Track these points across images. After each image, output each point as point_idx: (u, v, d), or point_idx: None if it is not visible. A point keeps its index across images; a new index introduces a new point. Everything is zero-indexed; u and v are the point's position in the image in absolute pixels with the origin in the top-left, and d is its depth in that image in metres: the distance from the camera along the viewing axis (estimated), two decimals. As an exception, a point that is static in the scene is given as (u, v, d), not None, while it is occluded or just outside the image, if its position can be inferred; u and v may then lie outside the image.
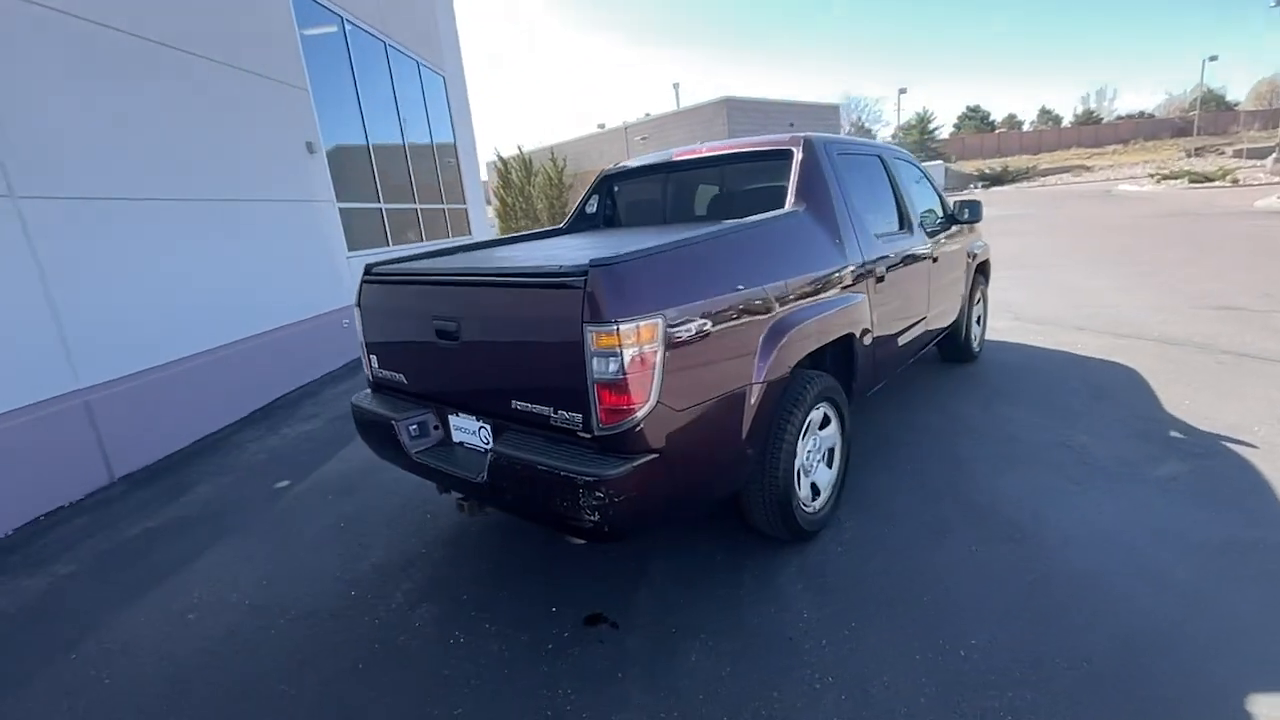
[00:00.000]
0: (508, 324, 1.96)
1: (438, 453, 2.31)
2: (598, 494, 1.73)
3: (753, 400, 2.05)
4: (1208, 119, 43.82)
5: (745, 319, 2.03)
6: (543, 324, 1.84)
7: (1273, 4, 26.63)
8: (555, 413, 1.87)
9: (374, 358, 2.58)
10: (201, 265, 4.79)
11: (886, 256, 2.99)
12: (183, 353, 4.50)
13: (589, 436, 1.80)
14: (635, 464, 1.75)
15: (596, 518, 1.76)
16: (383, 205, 8.10)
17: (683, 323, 1.82)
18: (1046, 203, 21.31)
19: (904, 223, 3.41)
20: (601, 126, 22.12)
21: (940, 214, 4.09)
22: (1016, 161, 42.45)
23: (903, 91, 35.11)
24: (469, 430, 2.25)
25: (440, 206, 10.17)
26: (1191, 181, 23.39)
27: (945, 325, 4.08)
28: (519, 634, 2.13)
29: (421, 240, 9.22)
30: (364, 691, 1.93)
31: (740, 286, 2.02)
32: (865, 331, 2.77)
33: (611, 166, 3.73)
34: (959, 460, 3.15)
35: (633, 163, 3.63)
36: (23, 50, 3.57)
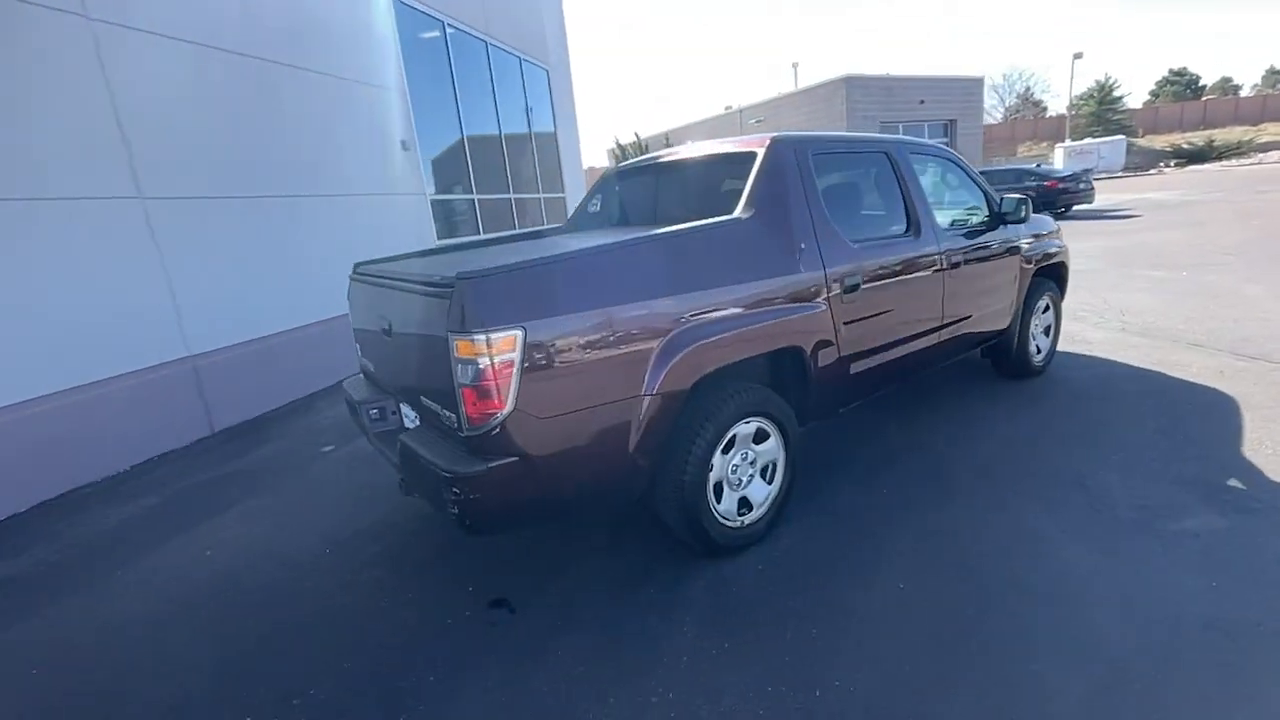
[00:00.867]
0: (414, 327, 2.16)
1: (388, 436, 2.58)
2: (455, 489, 1.89)
3: (643, 413, 2.07)
4: None
5: (632, 332, 2.04)
6: (430, 329, 2.01)
7: None
8: (443, 411, 2.04)
9: (358, 346, 2.92)
10: (298, 254, 5.54)
11: (866, 265, 2.79)
12: (281, 328, 5.27)
13: (462, 436, 1.94)
14: (492, 465, 1.87)
15: (457, 511, 1.91)
16: (475, 196, 8.73)
17: (549, 335, 1.89)
18: (1245, 186, 17.72)
19: (912, 226, 3.13)
20: (728, 108, 21.80)
21: (986, 213, 3.68)
22: (1227, 134, 35.42)
23: (1078, 56, 30.48)
24: (410, 419, 2.49)
25: (536, 196, 10.71)
26: None
27: (981, 333, 3.69)
28: (432, 607, 2.35)
29: (514, 228, 9.81)
30: (292, 633, 2.25)
31: (627, 300, 2.04)
32: (823, 345, 2.63)
33: (615, 166, 3.78)
34: (946, 489, 2.88)
35: (632, 163, 3.66)
36: (148, 73, 4.35)
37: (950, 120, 18.63)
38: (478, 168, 8.77)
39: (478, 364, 1.82)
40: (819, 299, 2.59)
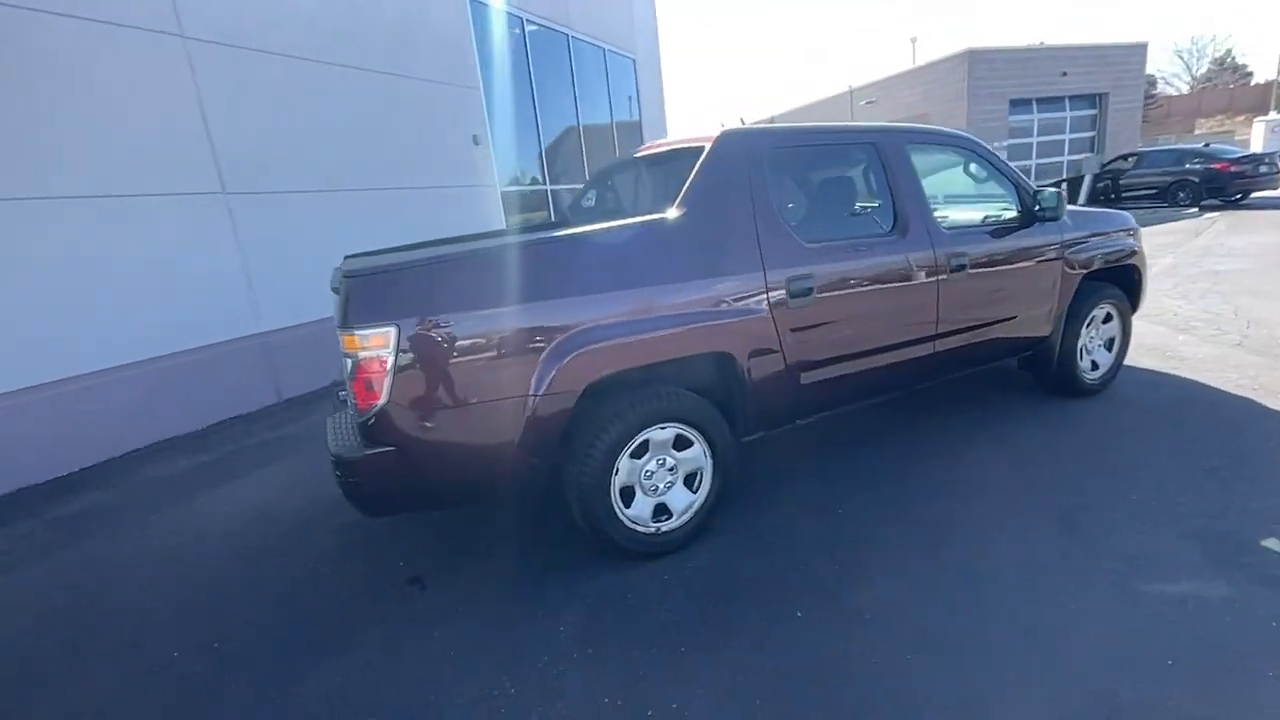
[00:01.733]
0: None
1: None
2: (339, 471, 2.04)
3: (529, 413, 2.10)
4: None
5: (517, 334, 2.06)
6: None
7: None
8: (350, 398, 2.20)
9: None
10: (364, 244, 6.08)
11: (825, 268, 2.59)
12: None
13: (357, 423, 2.09)
14: (369, 453, 2.00)
15: (343, 490, 2.06)
16: (549, 187, 9.03)
17: (424, 333, 1.97)
18: None
19: (899, 225, 2.84)
20: (851, 89, 20.64)
21: (1015, 209, 3.25)
22: None
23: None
24: (359, 403, 2.70)
25: (615, 185, 10.85)
26: None
27: (1005, 343, 3.29)
28: (363, 576, 2.55)
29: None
30: (243, 584, 2.54)
31: (512, 302, 2.06)
32: (761, 353, 2.49)
33: (608, 161, 3.77)
34: (908, 519, 2.62)
35: (621, 158, 3.63)
36: (232, 83, 4.95)
37: (1100, 94, 16.18)
38: (552, 159, 9.05)
39: (357, 357, 1.95)
40: (757, 303, 2.45)
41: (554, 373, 2.09)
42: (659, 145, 3.24)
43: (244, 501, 3.38)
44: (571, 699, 1.81)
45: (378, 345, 1.93)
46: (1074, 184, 14.90)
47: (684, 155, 2.79)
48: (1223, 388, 3.66)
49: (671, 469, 2.45)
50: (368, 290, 1.96)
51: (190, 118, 4.67)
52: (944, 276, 2.90)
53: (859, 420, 3.62)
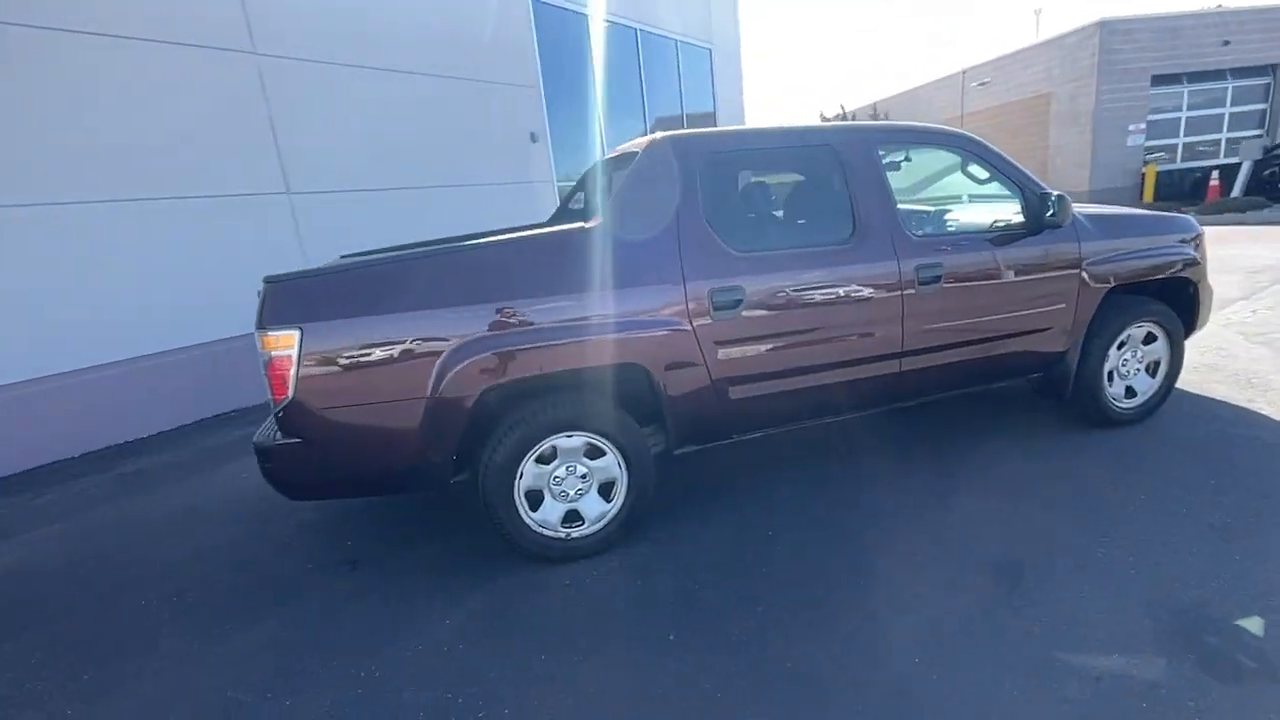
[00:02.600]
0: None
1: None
2: (257, 457, 2.26)
3: (425, 413, 2.19)
4: None
5: (416, 339, 2.16)
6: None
7: None
8: (283, 392, 2.42)
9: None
10: (420, 238, 6.51)
11: (757, 279, 2.46)
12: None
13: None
14: (278, 444, 2.19)
15: (263, 475, 2.28)
16: (609, 181, 9.14)
17: (328, 336, 2.12)
18: None
19: (856, 234, 2.63)
20: (963, 70, 19.07)
21: (1021, 216, 2.90)
22: None
23: None
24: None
25: (684, 179, 10.77)
26: None
27: (1002, 363, 2.97)
28: (314, 552, 2.79)
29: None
30: (219, 550, 2.87)
31: (413, 309, 2.16)
32: (680, 366, 2.42)
33: (591, 164, 3.76)
34: (838, 548, 2.46)
35: (604, 159, 3.61)
36: (295, 92, 5.47)
37: (1272, 65, 13.59)
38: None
39: (269, 355, 2.14)
40: (674, 316, 2.39)
41: (449, 377, 2.18)
42: (626, 147, 3.21)
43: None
44: (417, 690, 1.91)
45: (285, 345, 2.11)
46: (1229, 171, 12.79)
47: (627, 160, 2.75)
48: (1297, 429, 3.07)
49: (584, 476, 2.46)
50: (278, 295, 2.15)
51: (259, 126, 5.23)
52: (911, 289, 2.66)
53: (838, 437, 3.42)
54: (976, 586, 2.16)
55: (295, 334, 2.11)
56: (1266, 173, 12.46)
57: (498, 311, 2.23)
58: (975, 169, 2.97)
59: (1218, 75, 13.67)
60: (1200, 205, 11.96)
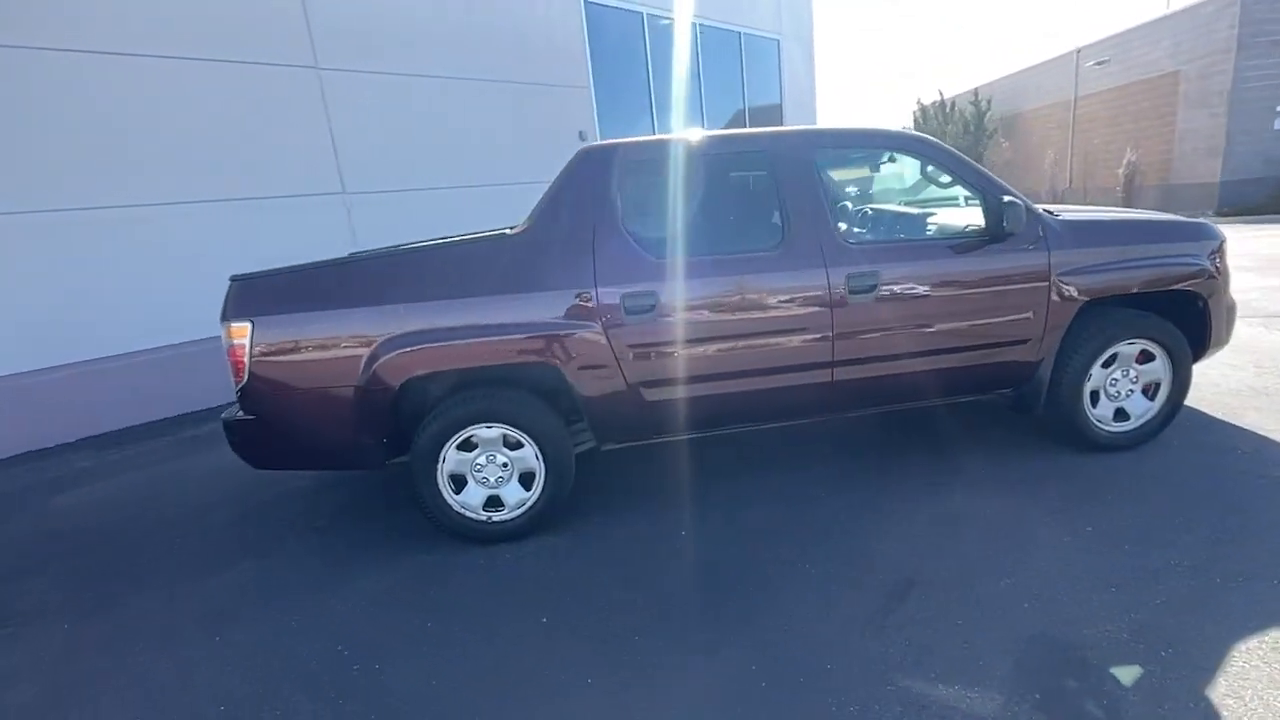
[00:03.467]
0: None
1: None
2: (224, 430, 2.63)
3: (355, 399, 2.46)
4: None
5: (347, 334, 2.43)
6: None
7: None
8: (256, 375, 2.79)
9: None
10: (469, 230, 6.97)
11: (674, 285, 2.52)
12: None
13: (244, 394, 2.66)
14: (237, 420, 2.56)
15: (230, 447, 2.66)
16: (661, 177, 9.22)
17: (275, 328, 2.44)
18: None
19: (784, 242, 2.60)
20: (1077, 49, 17.39)
21: (982, 223, 2.74)
22: None
23: None
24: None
25: (743, 173, 10.63)
26: None
27: (956, 377, 2.84)
28: (293, 519, 3.15)
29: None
30: (215, 508, 3.34)
31: (346, 306, 2.43)
32: (593, 367, 2.54)
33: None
34: (730, 556, 2.49)
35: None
36: (353, 101, 6.02)
37: None
38: (667, 150, 9.21)
39: (230, 343, 2.50)
40: (585, 318, 2.51)
41: (374, 368, 2.44)
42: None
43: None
44: (321, 640, 2.18)
45: (240, 335, 2.45)
46: None
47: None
48: (1323, 467, 2.68)
49: (504, 465, 2.65)
50: (238, 292, 2.49)
51: (319, 132, 5.83)
52: (841, 297, 2.61)
53: (796, 443, 3.38)
54: (855, 604, 2.13)
55: (248, 326, 2.44)
56: None
57: (421, 311, 2.46)
58: (935, 173, 2.83)
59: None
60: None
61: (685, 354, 2.60)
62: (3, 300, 4.38)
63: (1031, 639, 1.89)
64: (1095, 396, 2.91)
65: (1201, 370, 3.91)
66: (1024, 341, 2.79)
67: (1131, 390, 2.93)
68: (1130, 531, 2.37)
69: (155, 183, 4.93)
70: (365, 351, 2.45)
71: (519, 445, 2.62)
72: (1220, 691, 1.65)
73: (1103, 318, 2.82)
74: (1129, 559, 2.22)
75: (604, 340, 2.53)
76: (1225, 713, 1.59)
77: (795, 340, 2.64)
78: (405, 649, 2.11)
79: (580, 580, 2.40)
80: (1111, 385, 2.91)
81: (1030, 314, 2.75)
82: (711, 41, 9.68)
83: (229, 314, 2.48)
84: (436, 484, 2.60)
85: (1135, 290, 2.80)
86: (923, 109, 21.12)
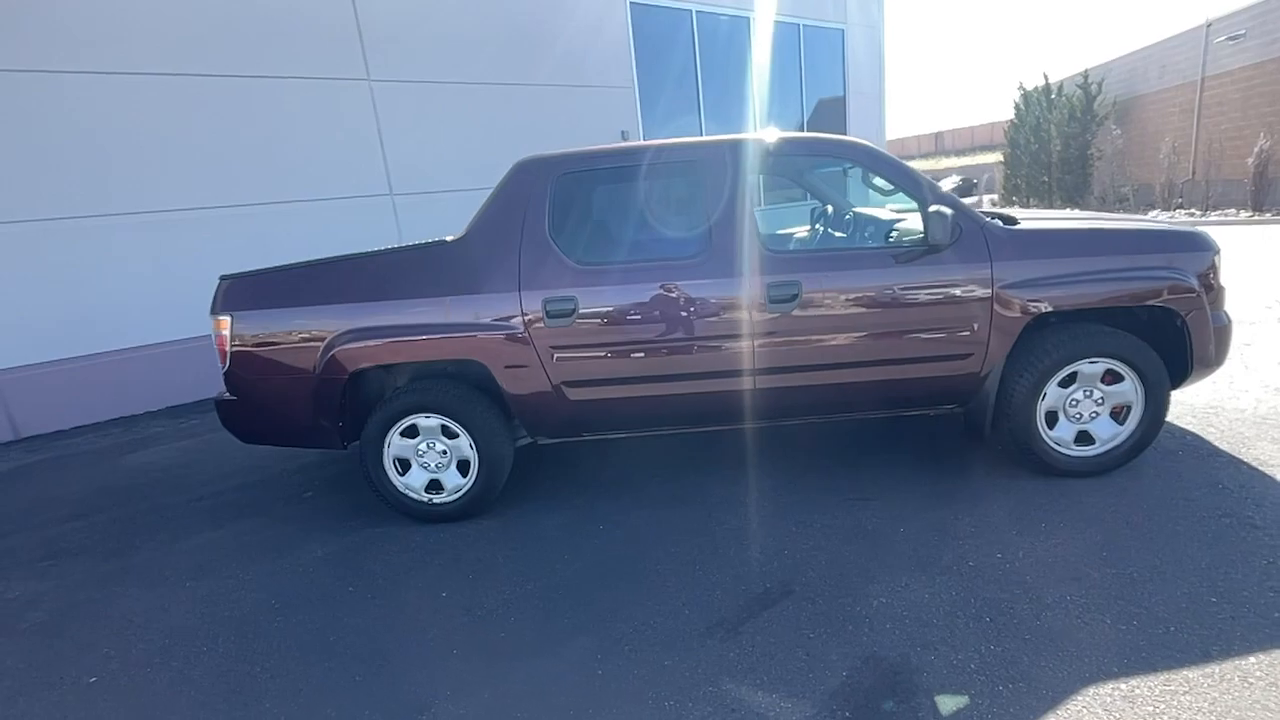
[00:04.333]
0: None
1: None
2: (216, 410, 3.06)
3: (312, 386, 2.79)
4: None
5: (307, 328, 2.76)
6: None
7: None
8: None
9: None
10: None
11: (596, 291, 2.65)
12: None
13: (233, 377, 3.07)
14: (223, 399, 2.97)
15: (221, 423, 3.08)
16: (707, 175, 9.21)
17: (250, 321, 2.81)
18: None
19: (708, 249, 2.64)
20: (1208, 22, 15.46)
21: (919, 234, 2.65)
22: None
23: None
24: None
25: (799, 169, 10.36)
26: None
27: (882, 388, 2.77)
28: (283, 490, 3.59)
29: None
30: (225, 477, 3.84)
31: (305, 304, 2.76)
32: (517, 366, 2.72)
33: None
34: (653, 545, 2.59)
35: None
36: (402, 108, 6.52)
37: None
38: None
39: (216, 333, 2.91)
40: (510, 321, 2.69)
41: (326, 360, 2.75)
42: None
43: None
44: (261, 593, 2.53)
45: (223, 327, 2.85)
46: None
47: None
48: (1311, 509, 2.38)
49: (444, 453, 2.89)
50: (224, 289, 2.89)
51: (370, 139, 6.38)
52: (760, 306, 2.62)
53: (752, 447, 3.40)
54: (724, 607, 2.18)
55: (228, 319, 2.84)
56: None
57: (368, 310, 2.75)
58: (878, 180, 2.75)
59: None
60: None
61: (605, 357, 2.72)
62: (125, 286, 5.24)
63: (872, 658, 1.88)
64: (1053, 418, 2.73)
65: (1232, 394, 3.52)
66: (965, 356, 2.67)
67: (1096, 413, 2.72)
68: (1044, 562, 2.24)
69: (250, 187, 5.68)
70: (321, 345, 2.77)
71: (456, 435, 2.86)
72: (1040, 732, 1.59)
73: (1060, 333, 2.64)
74: (1025, 590, 2.11)
75: (528, 341, 2.70)
76: (1034, 754, 1.54)
77: (714, 347, 2.69)
78: (321, 606, 2.41)
79: (490, 563, 2.61)
80: (1072, 406, 2.71)
81: (971, 328, 2.63)
82: (768, 35, 9.50)
83: (215, 307, 2.89)
84: (383, 465, 2.89)
85: (1095, 305, 2.60)
86: (1024, 94, 19.42)
